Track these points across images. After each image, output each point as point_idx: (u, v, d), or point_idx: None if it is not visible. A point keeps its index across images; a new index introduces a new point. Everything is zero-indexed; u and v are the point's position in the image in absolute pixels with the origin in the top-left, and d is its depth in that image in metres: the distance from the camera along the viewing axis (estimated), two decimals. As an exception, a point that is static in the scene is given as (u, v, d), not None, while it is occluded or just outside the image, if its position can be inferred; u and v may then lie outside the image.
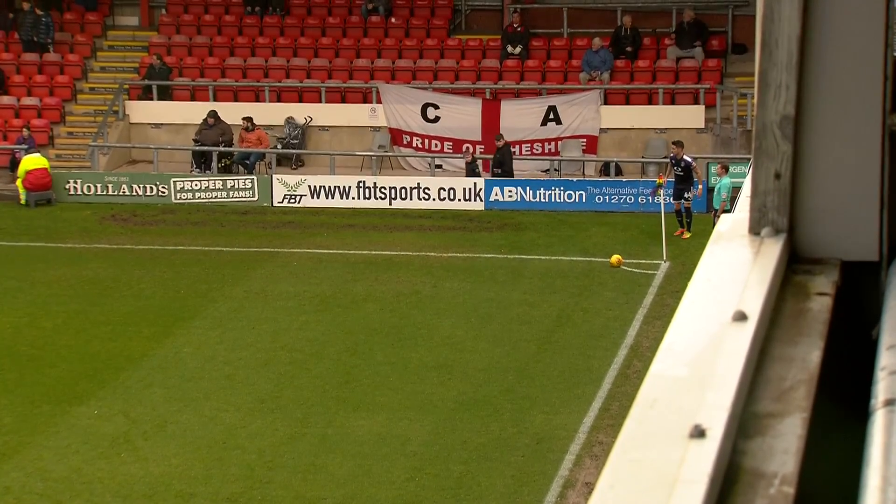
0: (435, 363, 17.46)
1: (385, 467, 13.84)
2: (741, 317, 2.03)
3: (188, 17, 33.57)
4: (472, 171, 28.30)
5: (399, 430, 14.92)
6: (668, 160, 25.57)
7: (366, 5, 33.03)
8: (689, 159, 24.82)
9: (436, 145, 30.16)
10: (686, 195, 24.60)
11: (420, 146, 30.20)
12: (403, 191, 28.14)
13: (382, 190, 28.15)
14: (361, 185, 28.25)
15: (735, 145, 28.49)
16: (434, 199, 28.02)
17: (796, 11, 2.28)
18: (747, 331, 2.00)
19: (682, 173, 24.64)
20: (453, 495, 13.27)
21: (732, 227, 2.44)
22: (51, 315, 19.54)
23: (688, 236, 24.39)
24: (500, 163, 28.14)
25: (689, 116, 29.85)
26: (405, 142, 30.30)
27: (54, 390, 16.06)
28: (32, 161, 28.43)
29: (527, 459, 14.13)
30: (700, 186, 24.97)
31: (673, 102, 30.12)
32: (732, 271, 2.23)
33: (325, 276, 22.31)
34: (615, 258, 22.66)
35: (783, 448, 1.81)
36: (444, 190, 28.11)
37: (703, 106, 29.67)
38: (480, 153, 29.98)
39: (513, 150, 29.90)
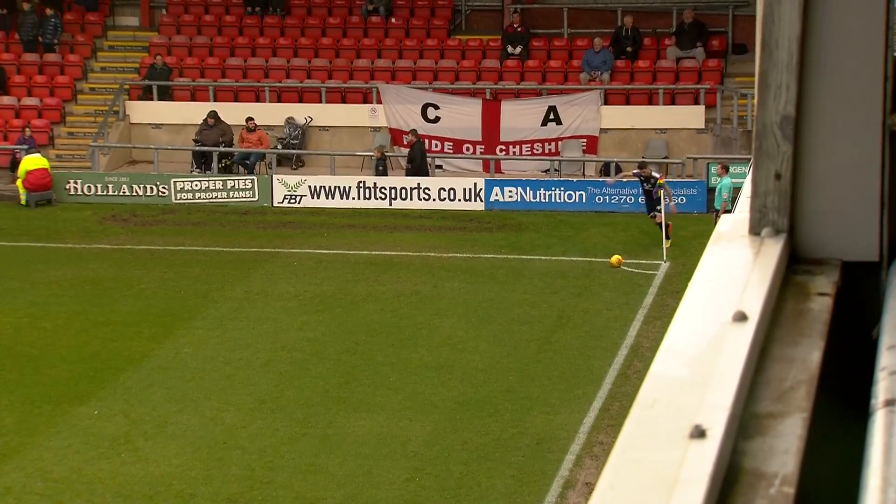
0: (435, 363, 17.46)
1: (385, 468, 13.84)
2: (741, 317, 2.03)
3: (188, 18, 33.59)
4: (378, 168, 28.44)
5: (399, 430, 14.91)
6: (636, 178, 24.97)
7: (366, 6, 33.06)
8: (657, 175, 24.43)
9: (436, 145, 30.17)
10: (658, 208, 23.97)
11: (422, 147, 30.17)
12: (403, 191, 28.16)
13: (382, 190, 28.16)
14: (362, 185, 28.28)
15: (735, 145, 28.49)
16: (434, 200, 28.04)
17: (796, 12, 2.29)
18: (747, 331, 2.00)
19: (651, 189, 24.28)
20: (454, 495, 13.27)
21: (733, 227, 2.44)
22: (51, 315, 19.54)
23: (667, 244, 23.60)
24: (411, 159, 28.30)
25: (690, 117, 29.85)
26: (405, 142, 30.31)
27: (55, 390, 16.06)
28: (33, 161, 28.45)
29: (527, 460, 14.13)
30: (671, 203, 24.20)
31: (673, 103, 30.13)
32: (733, 271, 2.23)
33: (325, 276, 22.32)
34: (615, 258, 22.67)
35: (783, 448, 1.81)
36: (445, 190, 28.13)
37: (704, 106, 29.68)
38: (481, 153, 30.02)
39: (514, 149, 29.92)
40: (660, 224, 23.84)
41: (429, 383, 16.63)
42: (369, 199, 28.13)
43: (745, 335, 1.99)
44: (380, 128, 30.56)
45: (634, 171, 24.94)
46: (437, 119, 30.20)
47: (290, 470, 13.75)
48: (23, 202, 28.24)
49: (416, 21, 32.91)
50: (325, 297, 20.89)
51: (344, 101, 31.25)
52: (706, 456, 1.69)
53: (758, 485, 1.74)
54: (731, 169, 24.69)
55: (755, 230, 2.39)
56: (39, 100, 31.73)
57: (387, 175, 28.35)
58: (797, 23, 2.29)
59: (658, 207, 23.91)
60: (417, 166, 28.26)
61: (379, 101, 30.65)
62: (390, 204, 27.99)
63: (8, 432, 14.52)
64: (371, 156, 29.73)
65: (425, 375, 16.94)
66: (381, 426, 15.01)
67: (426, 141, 30.12)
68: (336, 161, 29.61)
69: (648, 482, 1.65)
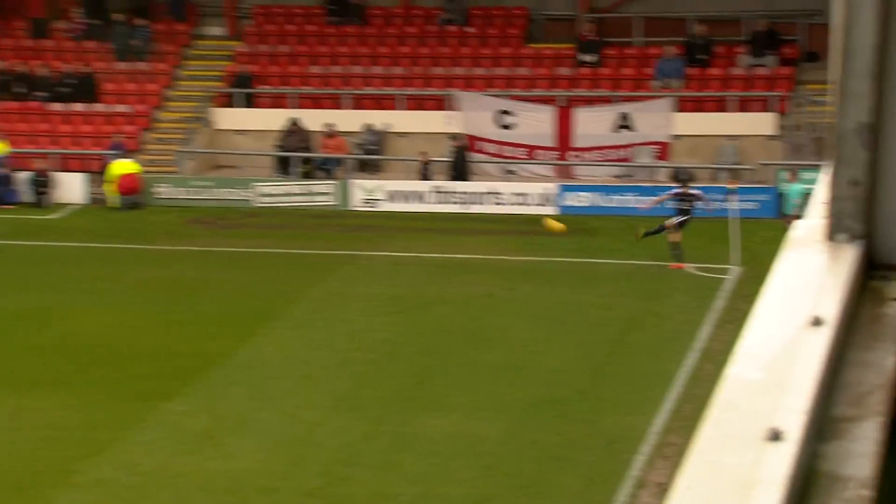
0: (508, 364, 17.44)
1: (458, 465, 13.84)
2: (817, 322, 2.01)
3: (272, 28, 33.93)
4: (424, 174, 28.52)
5: (472, 429, 14.91)
6: (677, 192, 23.24)
7: (443, 15, 33.17)
8: (696, 191, 23.38)
9: (510, 151, 30.19)
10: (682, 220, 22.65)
11: (494, 152, 30.25)
12: (478, 196, 28.22)
13: (457, 195, 28.24)
14: (437, 190, 28.37)
15: (806, 152, 28.14)
16: (508, 204, 28.07)
17: (874, 21, 2.25)
18: (823, 335, 1.98)
19: (687, 207, 22.70)
20: (525, 494, 13.23)
21: (808, 233, 2.41)
22: (140, 314, 19.81)
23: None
24: (454, 165, 28.39)
25: (761, 123, 29.55)
26: (482, 148, 30.38)
27: (143, 387, 16.28)
28: (124, 166, 28.96)
29: (598, 459, 14.05)
30: (712, 205, 23.34)
31: (745, 110, 29.85)
32: (808, 277, 2.20)
33: (400, 278, 22.39)
34: (552, 224, 21.88)
35: (860, 452, 1.78)
36: (518, 195, 28.15)
37: (775, 113, 29.37)
38: (554, 159, 29.96)
39: (586, 156, 29.83)
40: (667, 229, 22.71)
41: (501, 384, 16.60)
42: (444, 203, 28.23)
43: (821, 339, 1.96)
44: (456, 134, 30.62)
45: (674, 191, 23.64)
46: (511, 126, 30.21)
47: (366, 466, 13.81)
48: (112, 205, 28.71)
49: (491, 30, 32.95)
50: (400, 299, 20.96)
51: (421, 108, 31.35)
52: (783, 459, 1.67)
53: (834, 488, 1.72)
54: (801, 175, 24.38)
55: (831, 236, 2.36)
56: (130, 107, 32.22)
57: (430, 179, 28.58)
58: (875, 31, 2.25)
59: (671, 223, 22.84)
60: (459, 172, 28.43)
61: (455, 108, 30.70)
62: (465, 208, 28.05)
63: (99, 427, 14.73)
64: (446, 161, 29.80)
65: (498, 376, 16.91)
66: (455, 425, 15.01)
67: (499, 147, 30.18)
68: (412, 167, 29.73)
69: (725, 484, 1.63)
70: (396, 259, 23.90)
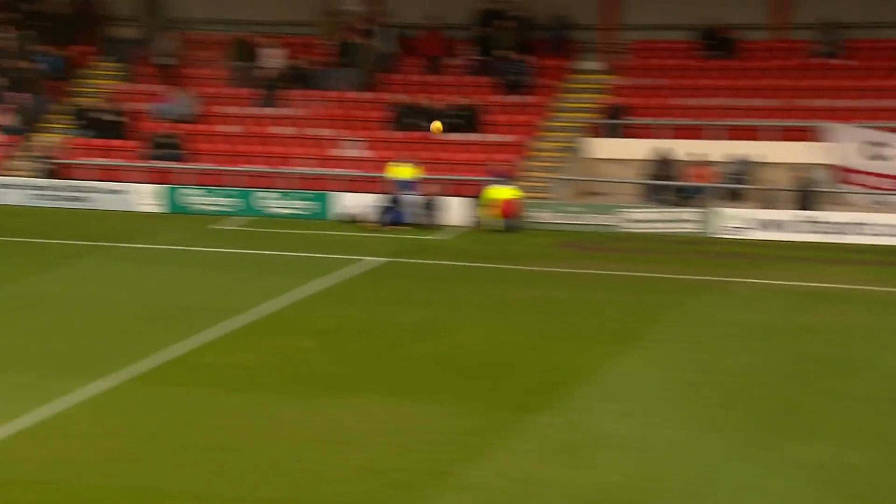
0: (876, 395, 16.30)
1: (825, 493, 13.00)
2: None
3: (644, 62, 33.78)
4: (770, 203, 27.27)
5: (840, 458, 13.98)
6: None
7: (816, 48, 31.99)
8: None
9: (882, 183, 28.60)
10: None
11: (866, 184, 28.74)
12: (845, 226, 26.98)
13: (824, 224, 27.12)
14: (803, 219, 27.32)
15: None
16: (874, 235, 26.70)
17: None
18: None
19: None
20: (894, 529, 12.24)
21: None
22: (516, 330, 20.05)
23: None
24: (801, 196, 27.00)
25: None
26: (851, 179, 28.97)
27: (515, 399, 16.38)
28: (505, 192, 29.74)
29: (974, 500, 12.80)
30: None
31: None
32: None
33: (764, 305, 21.55)
34: (435, 125, 20.06)
35: None
36: (886, 226, 26.69)
37: None
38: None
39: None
40: None
41: (870, 414, 15.52)
42: (811, 233, 27.19)
43: None
44: (823, 164, 29.37)
45: None
46: (885, 157, 28.67)
47: (729, 488, 13.22)
48: (484, 228, 29.56)
49: (866, 62, 31.39)
50: (764, 325, 20.14)
51: (790, 139, 30.28)
52: None
53: None
54: None
55: None
56: (511, 137, 32.97)
57: (774, 208, 27.74)
58: None
59: None
60: (804, 203, 27.34)
61: (826, 140, 29.43)
62: (832, 238, 26.86)
63: (475, 433, 14.92)
64: (813, 191, 28.63)
65: (866, 406, 15.84)
66: (821, 453, 14.13)
67: (871, 178, 28.76)
68: (779, 196, 28.78)
69: None
70: (759, 286, 23.04)
